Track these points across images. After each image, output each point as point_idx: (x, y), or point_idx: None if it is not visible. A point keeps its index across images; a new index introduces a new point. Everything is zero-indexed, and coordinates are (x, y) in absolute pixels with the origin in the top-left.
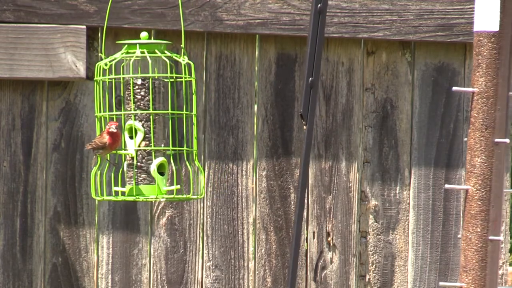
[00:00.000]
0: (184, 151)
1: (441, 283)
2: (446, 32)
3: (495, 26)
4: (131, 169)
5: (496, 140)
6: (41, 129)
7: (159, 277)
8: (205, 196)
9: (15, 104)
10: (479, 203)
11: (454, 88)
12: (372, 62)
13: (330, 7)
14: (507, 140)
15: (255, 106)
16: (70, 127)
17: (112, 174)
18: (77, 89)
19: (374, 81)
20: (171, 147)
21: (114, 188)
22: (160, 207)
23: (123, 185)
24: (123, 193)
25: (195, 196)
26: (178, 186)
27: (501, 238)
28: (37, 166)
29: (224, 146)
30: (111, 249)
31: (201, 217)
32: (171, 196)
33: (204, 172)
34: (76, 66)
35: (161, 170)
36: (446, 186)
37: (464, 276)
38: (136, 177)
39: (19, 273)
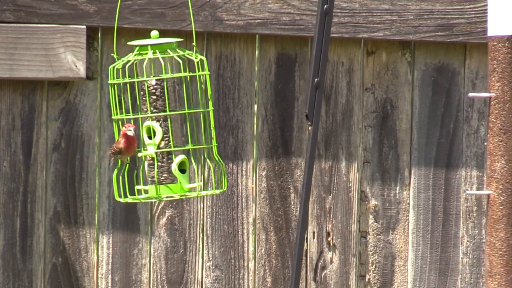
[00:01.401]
0: (204, 147)
1: (468, 192)
2: (446, 32)
3: (509, 31)
4: (152, 169)
5: None
6: (41, 129)
7: (159, 277)
8: (205, 196)
9: (15, 104)
10: (501, 207)
11: (471, 94)
12: (372, 62)
13: None
14: None
15: (255, 106)
16: (70, 127)
17: (134, 175)
18: (77, 89)
19: (374, 81)
20: (190, 145)
21: (137, 187)
22: (160, 207)
23: (145, 184)
24: (145, 191)
25: (218, 191)
26: (201, 183)
27: None
28: (37, 166)
29: (224, 146)
30: (111, 249)
31: (201, 217)
32: (195, 192)
33: (205, 172)
34: (76, 66)
35: (182, 167)
36: (468, 192)
37: (490, 281)
38: (158, 176)
39: (19, 273)
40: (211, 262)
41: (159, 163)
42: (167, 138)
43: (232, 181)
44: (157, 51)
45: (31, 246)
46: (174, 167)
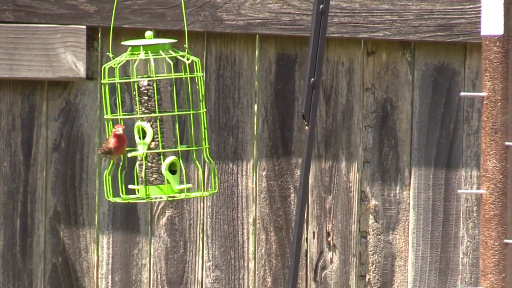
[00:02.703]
0: (194, 149)
1: (459, 191)
2: (446, 32)
3: (499, 30)
4: (142, 170)
5: (507, 143)
6: (41, 129)
7: (159, 277)
8: (205, 196)
9: (15, 104)
10: (493, 206)
11: (462, 94)
12: (372, 62)
13: (330, 7)
14: None
15: (255, 106)
16: (70, 127)
17: (120, 174)
18: (77, 89)
19: (374, 81)
20: (179, 147)
21: (130, 186)
22: (160, 207)
23: (138, 184)
24: (135, 191)
25: (207, 192)
26: (190, 185)
27: None
28: (37, 166)
29: (224, 146)
30: (111, 249)
31: (201, 217)
32: (183, 194)
33: (205, 172)
34: (76, 66)
35: (172, 168)
36: (459, 191)
37: (483, 280)
38: (148, 177)
39: (19, 273)
40: (211, 262)
41: (149, 164)
42: (157, 139)
43: (232, 181)
44: (149, 51)
45: (31, 246)
46: (164, 168)
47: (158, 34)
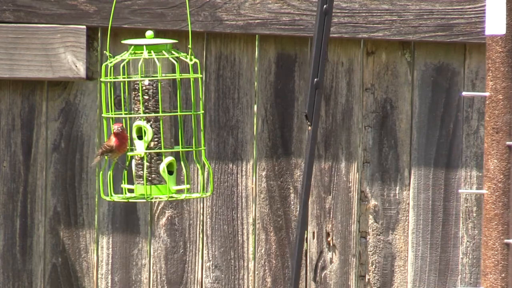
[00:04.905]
0: (194, 150)
1: (461, 190)
2: (446, 32)
3: (502, 30)
4: (140, 169)
5: (508, 143)
6: (41, 129)
7: (159, 277)
8: (205, 197)
9: (15, 104)
10: (493, 206)
11: (464, 93)
12: (371, 62)
13: None
14: None
15: (255, 106)
16: (70, 127)
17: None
18: (77, 89)
19: (374, 81)
20: (180, 147)
21: (125, 186)
22: (160, 207)
23: (132, 183)
24: (131, 190)
25: (204, 194)
26: (188, 186)
27: None
28: (37, 166)
29: (224, 146)
30: (111, 249)
31: (201, 217)
32: (181, 195)
33: (205, 172)
34: (76, 66)
35: (170, 169)
36: (460, 190)
37: (483, 280)
38: (146, 176)
39: (19, 273)
40: (211, 262)
41: (147, 163)
42: (157, 139)
43: (232, 181)
44: (152, 51)
45: (31, 247)
46: (163, 167)
47: (158, 34)
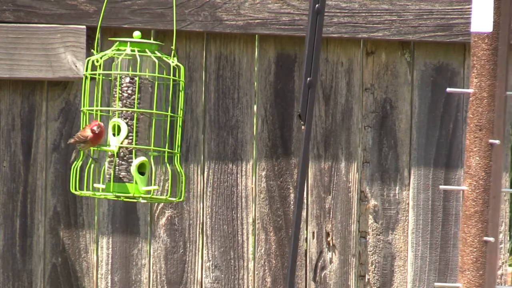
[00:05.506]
0: (166, 152)
1: (436, 284)
2: (446, 32)
3: (488, 27)
4: (112, 166)
5: (491, 141)
6: (41, 129)
7: (158, 277)
8: (204, 196)
9: (15, 104)
10: (473, 203)
11: (449, 89)
12: (371, 62)
13: (329, 7)
14: (498, 141)
15: (255, 106)
16: (69, 127)
17: (94, 170)
18: (77, 89)
19: (374, 81)
20: (152, 147)
21: (95, 185)
22: (159, 207)
23: (104, 182)
24: (102, 190)
25: (173, 199)
26: (156, 187)
27: (492, 239)
28: (37, 166)
29: (224, 146)
30: (110, 249)
31: (201, 217)
32: (149, 196)
33: (204, 172)
34: (76, 66)
35: (141, 170)
36: (441, 187)
37: (461, 276)
38: (116, 174)
39: (19, 273)
40: (211, 262)
41: (119, 161)
42: (131, 137)
43: (231, 181)
44: (135, 49)
45: (31, 246)
46: (134, 167)
47: (158, 34)
